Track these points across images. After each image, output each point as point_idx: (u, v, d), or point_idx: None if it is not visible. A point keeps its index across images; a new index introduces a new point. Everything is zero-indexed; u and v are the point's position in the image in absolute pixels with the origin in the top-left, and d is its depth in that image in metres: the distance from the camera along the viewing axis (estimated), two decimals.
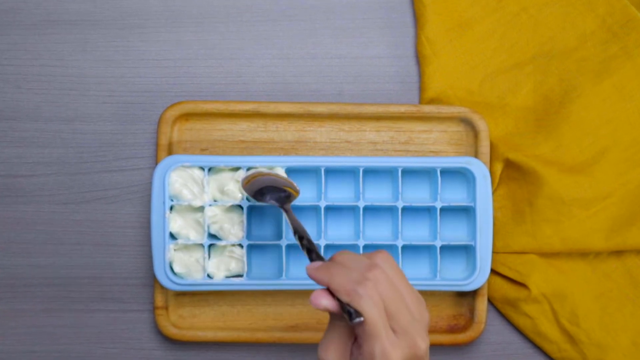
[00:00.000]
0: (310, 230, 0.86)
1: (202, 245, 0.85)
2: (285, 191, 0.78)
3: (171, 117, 0.87)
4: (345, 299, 0.62)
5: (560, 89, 0.88)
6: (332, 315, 0.65)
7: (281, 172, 0.83)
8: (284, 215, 0.76)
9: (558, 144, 0.88)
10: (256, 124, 0.89)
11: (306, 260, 0.69)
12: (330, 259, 0.66)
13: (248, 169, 0.84)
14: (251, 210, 0.84)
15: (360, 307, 0.61)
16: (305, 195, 0.87)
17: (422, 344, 0.63)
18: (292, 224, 0.73)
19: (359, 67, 0.91)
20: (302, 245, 0.69)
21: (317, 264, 0.65)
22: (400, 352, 0.61)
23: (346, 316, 0.62)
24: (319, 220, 0.86)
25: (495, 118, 0.89)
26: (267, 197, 0.77)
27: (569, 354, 0.88)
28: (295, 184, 0.80)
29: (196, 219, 0.85)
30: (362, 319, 0.61)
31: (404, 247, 0.86)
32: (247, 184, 0.79)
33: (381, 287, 0.62)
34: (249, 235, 0.84)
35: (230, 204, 0.85)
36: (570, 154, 0.88)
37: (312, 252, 0.68)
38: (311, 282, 0.82)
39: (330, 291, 0.64)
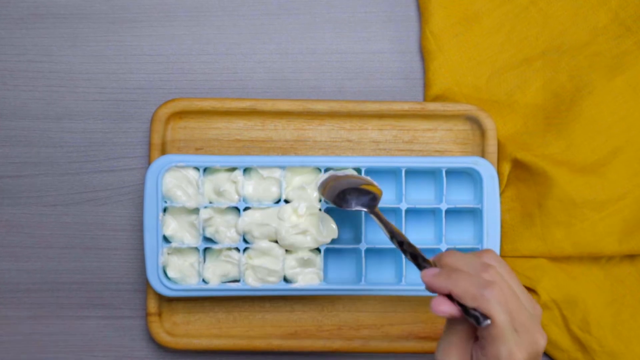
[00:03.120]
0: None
1: (197, 248, 0.85)
2: (369, 193, 0.77)
3: (164, 115, 0.87)
4: (471, 304, 0.63)
5: (571, 85, 0.88)
6: (451, 320, 0.67)
7: (352, 171, 0.83)
8: (374, 219, 0.75)
9: (569, 143, 0.87)
10: (253, 122, 0.88)
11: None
12: (440, 263, 0.67)
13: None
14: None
15: (489, 311, 0.63)
16: None
17: (542, 340, 0.65)
18: (386, 228, 0.72)
19: (360, 63, 0.91)
20: (403, 250, 0.70)
21: (433, 270, 0.67)
22: (524, 352, 0.63)
23: (472, 320, 0.63)
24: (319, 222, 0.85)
25: (503, 116, 0.89)
26: (351, 202, 0.76)
27: None
28: (374, 182, 0.79)
29: (191, 221, 0.85)
30: (489, 321, 0.63)
31: None
32: (324, 190, 0.79)
33: (502, 287, 0.64)
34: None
35: (226, 205, 0.84)
36: (582, 154, 0.87)
37: (417, 257, 0.69)
38: (312, 288, 0.83)
39: (449, 296, 0.65)
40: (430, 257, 0.69)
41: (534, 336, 0.64)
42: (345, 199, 0.77)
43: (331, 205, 0.81)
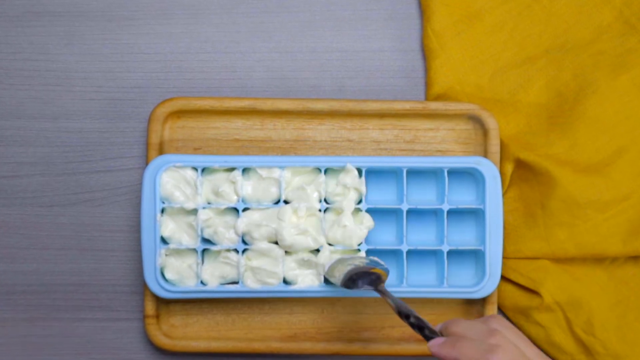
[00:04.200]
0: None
1: (195, 250, 0.85)
2: (374, 273, 0.80)
3: (162, 115, 0.87)
4: None
5: (574, 84, 0.88)
6: None
7: (361, 254, 0.85)
8: (381, 297, 0.78)
9: (572, 142, 0.87)
10: (252, 121, 0.88)
11: None
12: (446, 332, 0.71)
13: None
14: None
15: None
16: None
17: None
18: (394, 304, 0.75)
19: (361, 62, 0.90)
20: (410, 324, 0.73)
21: (439, 340, 0.69)
22: None
23: None
24: (319, 221, 0.85)
25: (506, 115, 0.89)
26: (358, 283, 0.79)
27: None
28: (382, 262, 0.82)
29: (189, 222, 0.85)
30: None
31: (409, 252, 0.86)
32: (332, 274, 0.82)
33: (508, 351, 0.67)
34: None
35: (224, 206, 0.84)
36: (586, 154, 0.87)
37: (424, 328, 0.72)
38: (312, 290, 0.83)
39: None
40: (436, 327, 0.72)
41: None
42: (352, 280, 0.80)
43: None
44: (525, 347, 0.69)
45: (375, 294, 0.80)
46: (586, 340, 0.86)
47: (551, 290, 0.86)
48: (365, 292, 0.82)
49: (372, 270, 0.80)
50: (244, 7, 0.91)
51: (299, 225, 0.83)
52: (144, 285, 0.87)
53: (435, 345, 0.69)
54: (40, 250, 0.89)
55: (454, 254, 0.86)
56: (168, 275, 0.85)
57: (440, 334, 0.71)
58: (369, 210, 0.85)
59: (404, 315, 0.73)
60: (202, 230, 0.84)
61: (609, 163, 0.87)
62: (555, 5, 0.89)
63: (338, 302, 0.89)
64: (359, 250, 0.85)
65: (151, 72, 0.90)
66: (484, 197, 0.85)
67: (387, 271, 0.80)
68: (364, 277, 0.79)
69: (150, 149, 0.87)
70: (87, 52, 0.90)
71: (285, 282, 0.85)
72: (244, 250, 0.84)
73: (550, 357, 0.87)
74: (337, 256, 0.84)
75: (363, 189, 0.84)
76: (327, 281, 0.84)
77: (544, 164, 0.86)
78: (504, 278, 0.88)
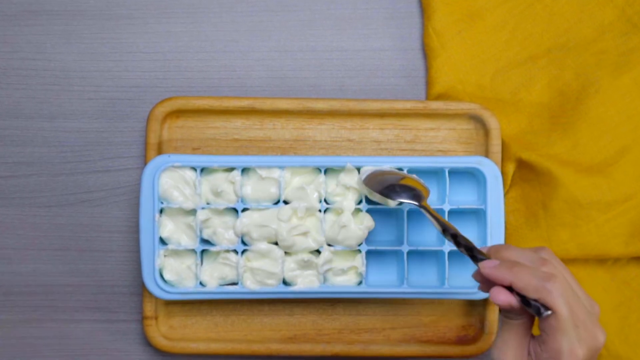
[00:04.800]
0: None
1: (194, 250, 0.85)
2: (416, 189, 0.79)
3: (161, 114, 0.87)
4: (534, 295, 0.65)
5: (577, 83, 0.88)
6: (507, 314, 0.68)
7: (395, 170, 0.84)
8: (424, 213, 0.77)
9: (574, 142, 0.87)
10: (252, 121, 0.88)
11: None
12: (497, 256, 0.69)
13: (242, 169, 0.83)
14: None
15: (552, 302, 0.64)
16: None
17: (601, 336, 0.66)
18: (438, 222, 0.74)
19: (361, 61, 0.90)
20: (457, 243, 0.72)
21: (492, 262, 0.68)
22: (585, 347, 0.65)
23: (532, 311, 0.65)
24: (319, 222, 0.85)
25: (508, 115, 0.89)
26: (402, 194, 0.79)
27: None
28: (421, 180, 0.81)
29: (188, 222, 0.85)
30: (550, 312, 0.64)
31: (410, 253, 0.85)
32: (370, 181, 0.81)
33: (562, 281, 0.66)
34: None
35: (224, 206, 0.84)
36: (588, 154, 0.87)
37: (472, 249, 0.71)
38: (312, 291, 0.83)
39: (508, 288, 0.67)
40: (483, 248, 0.71)
41: (593, 332, 0.65)
42: (396, 190, 0.79)
43: (374, 201, 0.83)
44: (574, 283, 0.68)
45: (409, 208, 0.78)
46: None
47: None
48: (404, 206, 0.80)
49: (414, 185, 0.79)
50: (243, 6, 0.90)
51: (298, 225, 0.83)
52: (143, 286, 0.87)
53: (488, 266, 0.67)
54: (38, 251, 0.89)
55: (455, 254, 0.86)
56: (167, 276, 0.84)
57: (488, 256, 0.70)
58: (369, 211, 0.85)
59: (451, 235, 0.73)
60: (201, 231, 0.84)
61: (612, 163, 0.87)
62: (557, 4, 0.89)
63: (338, 303, 0.88)
64: (359, 251, 0.84)
65: (150, 71, 0.90)
66: (485, 198, 0.85)
67: (428, 191, 0.80)
68: (407, 192, 0.79)
69: (148, 149, 0.87)
70: (85, 51, 0.90)
71: (284, 283, 0.85)
72: (244, 251, 0.84)
73: None
74: (374, 167, 0.83)
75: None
76: (368, 200, 0.83)
77: (545, 164, 0.86)
78: None
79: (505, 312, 0.68)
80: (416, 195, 0.80)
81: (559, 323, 0.64)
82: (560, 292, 0.64)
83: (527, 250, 0.69)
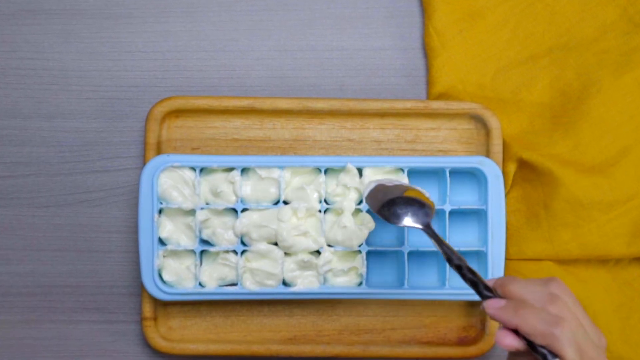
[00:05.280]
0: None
1: (193, 251, 0.85)
2: (422, 204, 0.73)
3: (160, 114, 0.87)
4: (541, 341, 0.63)
5: (578, 83, 0.88)
6: (513, 357, 0.66)
7: (404, 179, 0.82)
8: (429, 237, 0.71)
9: (576, 142, 0.87)
10: (251, 121, 0.88)
11: None
12: (503, 291, 0.66)
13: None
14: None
15: (560, 350, 0.62)
16: None
17: None
18: (442, 249, 0.70)
19: (361, 60, 0.90)
20: (462, 275, 0.68)
21: (498, 302, 0.65)
22: None
23: (539, 357, 0.63)
24: (319, 222, 0.85)
25: (509, 115, 0.89)
26: (401, 217, 0.72)
27: None
28: (425, 192, 0.75)
29: (187, 223, 0.85)
30: (557, 359, 0.62)
31: (410, 253, 0.85)
32: (372, 202, 0.76)
33: (571, 324, 0.63)
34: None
35: (223, 207, 0.84)
36: (589, 154, 0.87)
37: (478, 284, 0.67)
38: (312, 292, 0.83)
39: (512, 330, 0.64)
40: (489, 281, 0.67)
41: None
42: (394, 212, 0.73)
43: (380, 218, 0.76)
44: (583, 317, 0.64)
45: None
46: None
47: None
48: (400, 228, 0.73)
49: (418, 198, 0.72)
50: (242, 5, 0.90)
51: (299, 226, 0.83)
52: (142, 287, 0.86)
53: (494, 307, 0.65)
54: (36, 251, 0.89)
55: None
56: (166, 276, 0.84)
57: (494, 290, 0.66)
58: (369, 211, 0.85)
59: (455, 266, 0.68)
60: (200, 231, 0.84)
61: (613, 163, 0.86)
62: (559, 3, 0.89)
63: (338, 304, 0.88)
64: (359, 251, 0.84)
65: (149, 70, 0.90)
66: (486, 198, 0.85)
67: (433, 204, 0.73)
68: (409, 208, 0.72)
69: (147, 149, 0.87)
70: (83, 50, 0.90)
71: (284, 283, 0.84)
72: (243, 252, 0.84)
73: None
74: (378, 181, 0.78)
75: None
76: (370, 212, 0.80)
77: (547, 164, 0.85)
78: None
79: (512, 354, 0.66)
80: (421, 215, 0.73)
81: None
82: (569, 337, 0.62)
83: (536, 284, 0.65)
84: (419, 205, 0.73)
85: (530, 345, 0.63)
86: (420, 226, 0.73)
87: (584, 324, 0.64)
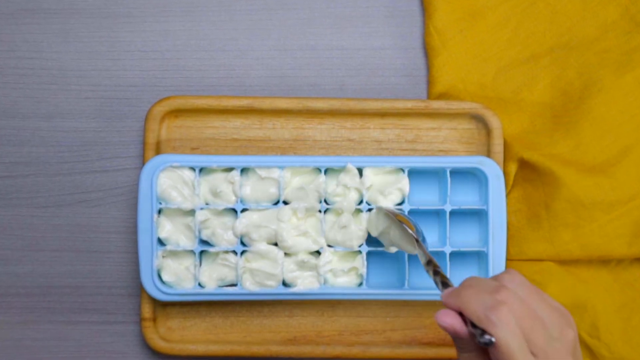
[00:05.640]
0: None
1: (192, 251, 0.84)
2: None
3: (159, 114, 0.87)
4: (478, 324, 0.63)
5: (579, 83, 0.88)
6: (459, 345, 0.67)
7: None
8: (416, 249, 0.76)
9: (577, 142, 0.87)
10: (251, 120, 0.88)
11: None
12: (460, 285, 0.68)
13: (242, 170, 0.83)
14: None
15: (495, 334, 0.62)
16: None
17: None
18: (426, 256, 0.73)
19: (362, 60, 0.90)
20: (434, 274, 0.71)
21: (450, 289, 0.67)
22: None
23: (477, 338, 0.63)
24: (319, 222, 0.85)
25: (510, 114, 0.88)
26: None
27: None
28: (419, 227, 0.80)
29: (186, 223, 0.84)
30: (492, 338, 0.62)
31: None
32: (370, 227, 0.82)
33: (514, 308, 0.63)
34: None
35: (223, 207, 0.84)
36: (591, 153, 0.87)
37: (445, 282, 0.70)
38: (312, 292, 0.83)
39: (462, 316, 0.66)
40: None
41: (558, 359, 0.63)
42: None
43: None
44: (541, 307, 0.64)
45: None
46: (591, 344, 0.86)
47: (555, 293, 0.86)
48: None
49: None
50: (242, 4, 0.90)
51: (298, 226, 0.83)
52: (141, 288, 0.86)
53: (444, 293, 0.67)
54: (34, 251, 0.89)
55: (456, 255, 0.85)
56: (165, 277, 0.84)
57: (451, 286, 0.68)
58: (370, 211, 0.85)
59: (433, 270, 0.71)
60: (199, 232, 0.84)
61: (614, 163, 0.86)
62: (560, 3, 0.89)
63: (338, 304, 0.88)
64: (360, 252, 0.84)
65: (148, 70, 0.89)
66: (487, 198, 0.85)
67: (420, 234, 0.77)
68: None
69: (147, 149, 0.86)
70: (82, 50, 0.89)
71: (284, 284, 0.84)
72: (243, 252, 0.84)
73: None
74: (378, 206, 0.83)
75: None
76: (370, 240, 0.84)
77: (548, 164, 0.85)
78: None
79: (457, 342, 0.66)
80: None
81: (503, 354, 0.62)
82: (505, 321, 0.62)
83: (489, 279, 0.67)
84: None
85: (474, 327, 0.63)
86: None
87: (539, 313, 0.64)
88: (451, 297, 0.66)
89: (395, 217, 0.79)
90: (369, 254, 0.85)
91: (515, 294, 0.64)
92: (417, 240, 0.75)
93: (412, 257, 0.86)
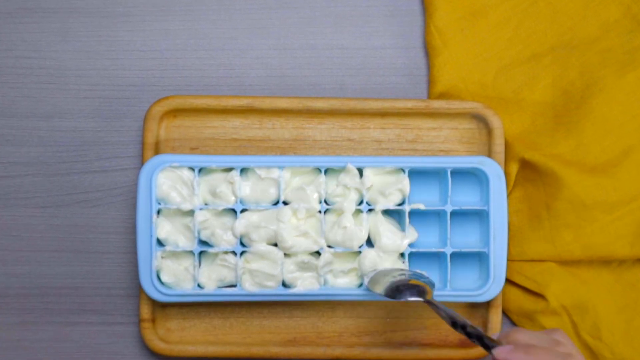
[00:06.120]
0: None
1: (192, 252, 0.84)
2: (419, 286, 0.80)
3: (158, 113, 0.86)
4: None
5: (581, 82, 0.87)
6: None
7: (404, 265, 0.84)
8: (431, 307, 0.77)
9: (578, 142, 0.87)
10: (250, 120, 0.88)
11: None
12: (508, 340, 0.70)
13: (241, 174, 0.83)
14: None
15: None
16: None
17: None
18: (447, 314, 0.74)
19: (362, 59, 0.90)
20: (467, 334, 0.72)
21: (508, 347, 0.68)
22: None
23: None
24: (319, 223, 0.84)
25: (511, 114, 0.88)
26: (406, 293, 0.79)
27: None
28: (426, 274, 0.82)
29: (185, 223, 0.84)
30: None
31: (412, 254, 0.85)
32: (374, 286, 0.81)
33: (578, 358, 0.68)
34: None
35: (222, 207, 0.84)
36: (592, 154, 0.87)
37: (483, 337, 0.71)
38: (312, 293, 0.83)
39: None
40: (493, 335, 0.72)
41: None
42: (399, 290, 0.79)
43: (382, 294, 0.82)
44: None
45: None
46: (593, 345, 0.86)
47: (557, 294, 0.86)
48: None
49: (417, 283, 0.80)
50: (242, 3, 0.90)
51: (298, 226, 0.83)
52: (140, 289, 0.86)
53: (504, 352, 0.68)
54: (33, 252, 0.89)
55: (457, 256, 0.85)
56: (164, 278, 0.84)
57: (499, 343, 0.70)
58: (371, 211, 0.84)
59: (460, 326, 0.73)
60: (199, 232, 0.84)
61: (616, 163, 0.86)
62: (561, 2, 0.88)
63: (338, 305, 0.88)
64: (359, 252, 0.84)
65: (147, 69, 0.89)
66: (488, 198, 0.84)
67: (432, 285, 0.80)
68: (411, 289, 0.79)
69: (146, 149, 0.86)
70: (81, 49, 0.89)
71: (284, 285, 0.84)
72: (242, 253, 0.84)
73: None
74: (379, 268, 0.83)
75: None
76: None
77: (549, 164, 0.85)
78: (508, 281, 0.88)
79: None
80: (420, 291, 0.79)
81: None
82: None
83: (539, 332, 0.69)
84: (419, 287, 0.80)
85: None
86: (422, 299, 0.78)
87: None
88: (518, 354, 0.67)
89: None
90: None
91: (571, 348, 0.69)
92: (431, 304, 0.77)
93: (413, 259, 0.85)
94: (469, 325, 0.72)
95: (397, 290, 0.79)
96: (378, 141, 0.88)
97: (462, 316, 0.73)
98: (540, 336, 0.69)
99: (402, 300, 0.78)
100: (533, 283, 0.86)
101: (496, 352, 0.68)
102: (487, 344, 0.70)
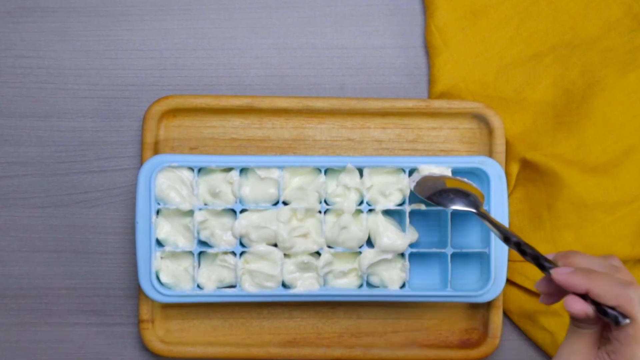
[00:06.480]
0: None
1: (191, 252, 0.84)
2: (471, 195, 0.78)
3: (157, 113, 0.86)
4: (613, 302, 0.64)
5: (582, 82, 0.87)
6: (578, 324, 0.67)
7: (447, 172, 0.83)
8: (483, 221, 0.75)
9: (580, 142, 0.87)
10: (250, 120, 0.88)
11: None
12: (566, 262, 0.68)
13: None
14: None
15: (631, 310, 0.64)
16: None
17: None
18: (499, 230, 0.73)
19: (362, 59, 0.90)
20: (522, 251, 0.70)
21: (566, 269, 0.67)
22: None
23: (608, 320, 0.64)
24: (319, 223, 0.84)
25: (512, 114, 0.88)
26: (456, 201, 0.77)
27: None
28: (475, 185, 0.80)
29: (185, 224, 0.84)
30: (628, 320, 0.64)
31: (412, 255, 0.85)
32: (419, 188, 0.80)
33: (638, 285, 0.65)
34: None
35: (222, 207, 0.84)
36: (593, 154, 0.87)
37: (539, 257, 0.69)
38: (312, 294, 0.83)
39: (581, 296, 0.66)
40: (548, 255, 0.69)
41: None
42: (449, 197, 0.78)
43: (422, 205, 0.81)
44: None
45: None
46: None
47: None
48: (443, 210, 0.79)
49: (468, 190, 0.78)
50: (241, 3, 0.90)
51: (298, 227, 0.83)
52: (139, 289, 0.86)
53: (563, 273, 0.66)
54: (31, 252, 0.89)
55: (458, 256, 0.85)
56: (163, 278, 0.84)
57: (556, 263, 0.68)
58: (370, 212, 0.84)
59: (514, 243, 0.71)
60: (198, 233, 0.84)
61: (617, 164, 0.86)
62: (562, 1, 0.88)
63: (338, 306, 0.88)
64: (360, 253, 0.84)
65: (146, 69, 0.89)
66: (488, 198, 0.84)
67: (483, 195, 0.77)
68: (460, 197, 0.77)
69: (145, 149, 0.86)
70: (80, 48, 0.89)
71: (284, 285, 0.84)
72: (242, 253, 0.84)
73: None
74: (425, 173, 0.82)
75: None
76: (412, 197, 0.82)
77: (550, 164, 0.85)
78: (509, 281, 0.87)
79: (577, 321, 0.67)
80: (472, 201, 0.78)
81: (636, 332, 0.63)
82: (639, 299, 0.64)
83: (597, 257, 0.68)
84: (465, 195, 0.78)
85: (599, 309, 0.64)
86: (474, 210, 0.77)
87: None
88: (576, 277, 0.66)
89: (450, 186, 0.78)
90: None
91: (631, 275, 0.67)
92: (483, 216, 0.74)
93: (413, 258, 0.85)
94: (523, 243, 0.71)
95: (446, 197, 0.77)
96: (378, 141, 0.88)
97: (515, 234, 0.72)
98: (600, 261, 0.67)
99: (452, 207, 0.77)
100: (534, 283, 0.86)
101: (555, 272, 0.67)
102: (544, 265, 0.68)
